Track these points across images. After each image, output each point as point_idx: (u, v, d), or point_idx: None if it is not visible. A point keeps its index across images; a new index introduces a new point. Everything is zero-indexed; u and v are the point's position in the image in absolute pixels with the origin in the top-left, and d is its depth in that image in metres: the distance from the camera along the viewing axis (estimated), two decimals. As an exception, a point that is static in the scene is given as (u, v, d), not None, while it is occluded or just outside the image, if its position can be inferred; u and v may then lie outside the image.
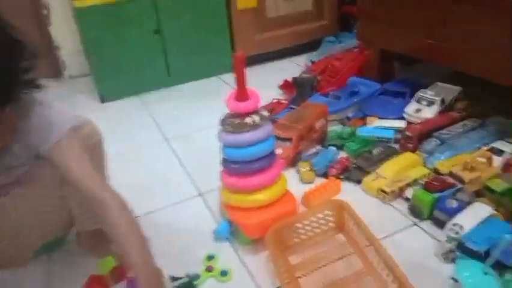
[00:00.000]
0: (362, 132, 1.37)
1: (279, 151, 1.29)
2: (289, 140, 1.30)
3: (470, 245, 0.88)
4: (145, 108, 1.88)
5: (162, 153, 1.49)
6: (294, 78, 1.69)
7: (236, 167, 0.96)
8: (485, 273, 0.74)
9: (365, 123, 1.44)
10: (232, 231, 1.03)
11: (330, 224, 1.01)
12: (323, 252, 0.97)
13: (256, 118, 0.92)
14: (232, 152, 0.95)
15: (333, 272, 0.92)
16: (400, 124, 1.38)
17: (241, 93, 0.92)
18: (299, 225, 0.99)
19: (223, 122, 0.94)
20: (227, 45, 2.11)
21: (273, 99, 1.67)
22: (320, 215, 1.00)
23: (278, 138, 1.31)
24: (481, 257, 0.87)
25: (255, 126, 0.92)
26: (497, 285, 0.73)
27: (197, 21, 1.99)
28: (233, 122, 0.92)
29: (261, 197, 0.97)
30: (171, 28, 1.95)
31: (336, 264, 0.94)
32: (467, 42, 1.27)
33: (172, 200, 1.23)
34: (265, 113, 0.95)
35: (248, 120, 0.92)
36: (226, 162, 0.98)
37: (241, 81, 0.91)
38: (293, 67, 2.12)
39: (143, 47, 1.93)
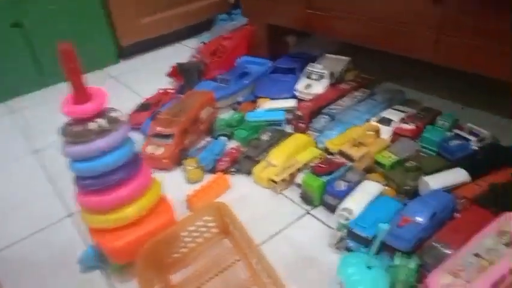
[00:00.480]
0: (251, 117, 1.26)
1: (160, 150, 1.15)
2: (172, 136, 1.15)
3: (358, 231, 0.82)
4: (13, 116, 1.61)
5: (27, 169, 1.27)
6: (179, 65, 1.53)
7: (89, 182, 0.80)
8: (369, 267, 0.67)
9: (256, 107, 1.34)
10: (101, 257, 0.87)
11: (213, 230, 0.89)
12: (208, 263, 0.86)
13: (102, 122, 0.76)
14: (81, 166, 0.78)
15: (220, 285, 0.81)
16: (291, 103, 1.29)
17: (79, 94, 0.75)
18: (177, 237, 0.86)
19: (63, 131, 0.77)
20: (107, 33, 1.88)
21: (159, 89, 1.51)
22: (200, 223, 0.87)
23: (159, 135, 1.17)
24: (370, 243, 0.80)
25: (102, 132, 0.76)
26: (383, 277, 0.66)
27: (66, 8, 1.73)
28: (73, 131, 0.75)
29: (126, 213, 0.82)
30: (34, 19, 1.67)
31: (223, 275, 0.83)
32: (345, 11, 1.20)
33: (36, 226, 1.03)
34: (116, 114, 0.79)
35: (92, 126, 0.75)
36: (77, 179, 0.81)
37: (75, 79, 0.74)
38: (187, 51, 1.95)
39: (2, 44, 1.64)
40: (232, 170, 1.12)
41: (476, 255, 0.70)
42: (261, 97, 1.37)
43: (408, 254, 0.77)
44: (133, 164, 0.83)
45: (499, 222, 0.75)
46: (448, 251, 0.74)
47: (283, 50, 1.67)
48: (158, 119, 1.21)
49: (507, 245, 0.70)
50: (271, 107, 1.30)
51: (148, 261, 0.81)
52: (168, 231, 0.84)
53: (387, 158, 1.01)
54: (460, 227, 0.79)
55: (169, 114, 1.21)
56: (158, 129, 1.17)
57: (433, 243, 0.77)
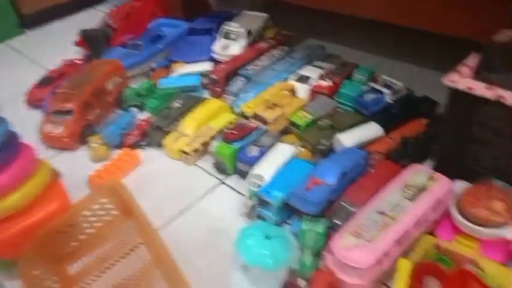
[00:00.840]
0: (163, 84, 1.16)
1: (59, 129, 1.03)
2: (71, 111, 1.04)
3: (267, 198, 0.77)
4: None
5: None
6: (83, 32, 1.38)
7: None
8: (268, 237, 0.63)
9: (169, 73, 1.23)
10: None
11: (113, 212, 0.81)
12: (110, 249, 0.78)
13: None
14: None
15: (121, 272, 0.75)
16: (206, 67, 1.20)
17: None
18: (72, 225, 0.77)
19: None
20: (6, 2, 1.66)
21: (64, 60, 1.36)
22: (96, 206, 0.79)
23: (58, 112, 1.05)
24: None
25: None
26: (283, 247, 0.62)
27: None
28: None
29: (6, 203, 0.72)
30: None
31: (126, 260, 0.77)
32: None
33: None
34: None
35: None
36: None
37: None
38: (101, 17, 1.78)
39: None
40: (143, 143, 1.03)
41: (381, 212, 0.67)
42: (176, 62, 1.27)
43: (317, 217, 0.73)
44: (8, 147, 0.73)
45: (404, 176, 0.73)
46: (355, 210, 0.71)
47: (204, 10, 1.55)
48: (57, 94, 1.08)
49: (411, 199, 0.68)
50: (186, 71, 1.21)
51: (37, 254, 0.72)
52: (59, 219, 0.76)
53: (302, 118, 0.96)
54: (369, 184, 0.76)
55: (68, 87, 1.09)
56: (56, 104, 1.05)
57: (341, 203, 0.74)
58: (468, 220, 0.67)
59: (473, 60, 0.70)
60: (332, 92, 1.05)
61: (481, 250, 0.68)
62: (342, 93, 1.02)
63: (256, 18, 1.33)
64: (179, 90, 1.14)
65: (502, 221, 0.66)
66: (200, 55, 1.28)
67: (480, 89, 0.63)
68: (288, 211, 0.79)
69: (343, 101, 1.02)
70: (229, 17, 1.37)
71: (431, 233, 0.71)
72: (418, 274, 0.62)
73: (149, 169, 0.98)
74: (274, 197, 0.75)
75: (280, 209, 0.75)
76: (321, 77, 1.09)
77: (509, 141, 0.68)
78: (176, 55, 1.30)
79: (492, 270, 0.62)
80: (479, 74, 0.65)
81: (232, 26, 1.26)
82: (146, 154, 1.01)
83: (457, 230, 0.70)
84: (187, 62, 1.26)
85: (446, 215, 0.71)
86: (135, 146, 1.02)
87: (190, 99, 1.08)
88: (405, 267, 0.63)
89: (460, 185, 0.73)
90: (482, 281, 0.58)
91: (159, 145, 1.01)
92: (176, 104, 1.06)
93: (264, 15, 1.34)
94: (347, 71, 1.10)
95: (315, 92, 1.06)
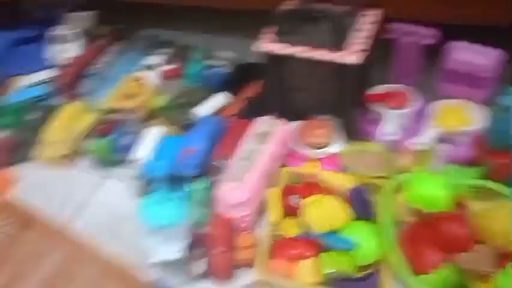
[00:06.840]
0: (10, 100, 1.14)
1: None
2: None
3: (152, 173, 0.89)
4: None
5: None
6: None
7: None
8: (170, 200, 0.76)
9: (8, 89, 1.20)
10: None
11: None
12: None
13: None
14: None
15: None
16: (48, 74, 1.21)
17: None
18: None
19: None
20: None
21: None
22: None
23: None
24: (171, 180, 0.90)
25: None
26: (183, 205, 0.76)
27: None
28: None
29: None
30: None
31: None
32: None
33: None
34: None
35: None
36: None
37: None
38: None
39: None
40: (10, 161, 1.03)
41: (244, 158, 0.87)
42: (12, 76, 1.23)
43: (199, 177, 0.89)
44: None
45: (254, 127, 0.94)
46: (226, 163, 0.89)
47: (23, 17, 1.48)
48: None
49: (262, 143, 0.90)
50: (29, 83, 1.19)
51: None
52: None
53: (161, 101, 1.09)
54: (230, 141, 0.94)
55: None
56: None
57: (215, 162, 0.92)
58: (305, 148, 0.93)
59: (269, 28, 0.92)
60: (178, 74, 1.20)
61: (322, 166, 0.94)
62: (187, 73, 1.18)
63: (84, 18, 1.36)
64: (30, 103, 1.13)
65: (325, 141, 0.93)
66: (36, 64, 1.26)
67: (280, 49, 0.87)
68: (173, 182, 0.93)
69: (190, 80, 1.18)
70: (54, 21, 1.36)
71: (286, 166, 0.95)
72: (284, 196, 0.84)
73: (29, 183, 0.99)
74: (158, 169, 0.88)
75: (166, 180, 0.89)
76: (165, 62, 1.22)
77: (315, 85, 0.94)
78: (10, 70, 1.25)
79: (328, 176, 0.88)
80: (277, 37, 0.88)
81: (62, 30, 1.28)
82: (23, 170, 1.02)
83: (303, 158, 0.95)
84: (24, 74, 1.23)
85: (292, 150, 0.95)
86: (2, 166, 1.01)
87: (45, 108, 1.10)
88: (274, 194, 0.85)
89: (295, 125, 0.98)
90: (321, 184, 0.82)
91: (29, 159, 1.02)
92: (33, 116, 1.07)
93: (91, 13, 1.38)
94: (185, 53, 1.25)
95: (164, 77, 1.19)
